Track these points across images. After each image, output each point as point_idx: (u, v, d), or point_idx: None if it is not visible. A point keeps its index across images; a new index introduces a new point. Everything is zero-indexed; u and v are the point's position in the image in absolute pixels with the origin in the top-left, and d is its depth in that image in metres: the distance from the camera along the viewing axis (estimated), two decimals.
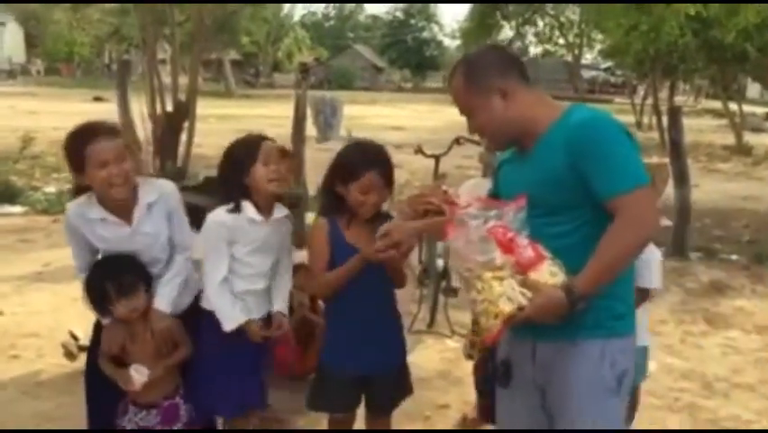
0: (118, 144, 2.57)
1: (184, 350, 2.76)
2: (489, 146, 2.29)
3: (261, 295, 2.77)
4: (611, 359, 2.07)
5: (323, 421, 2.93)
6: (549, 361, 2.13)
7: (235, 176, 2.63)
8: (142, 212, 2.65)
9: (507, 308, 1.93)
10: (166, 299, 2.71)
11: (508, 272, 1.96)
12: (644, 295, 3.07)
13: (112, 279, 2.62)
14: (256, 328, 2.70)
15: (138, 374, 2.62)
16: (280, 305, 2.80)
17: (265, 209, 2.67)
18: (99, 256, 2.76)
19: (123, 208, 2.63)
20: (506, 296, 1.94)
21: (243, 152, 2.64)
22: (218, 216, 2.65)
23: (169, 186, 2.80)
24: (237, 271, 2.70)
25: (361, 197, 2.56)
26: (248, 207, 2.63)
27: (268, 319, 2.77)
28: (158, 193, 2.69)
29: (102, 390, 2.76)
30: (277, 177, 2.61)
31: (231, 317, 2.66)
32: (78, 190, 2.68)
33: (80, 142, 2.53)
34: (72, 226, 2.66)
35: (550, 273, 1.95)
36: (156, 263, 2.75)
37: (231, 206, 2.63)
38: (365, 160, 2.58)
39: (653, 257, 3.03)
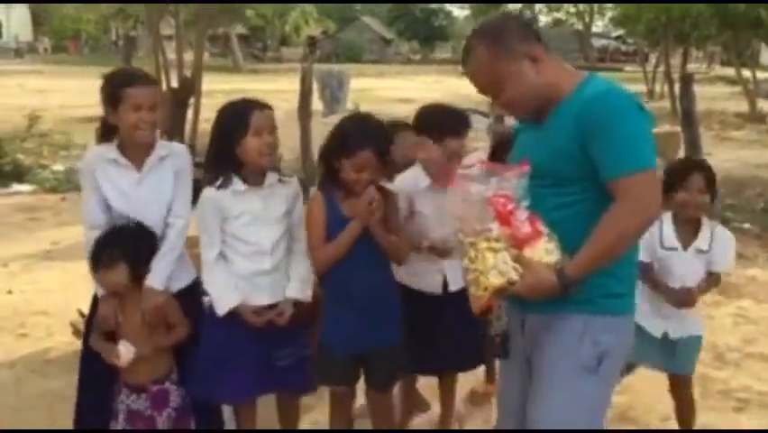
0: (154, 92, 2.68)
1: (178, 332, 2.67)
2: (514, 114, 2.20)
3: (273, 276, 2.66)
4: (593, 337, 2.02)
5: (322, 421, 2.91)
6: (535, 333, 2.12)
7: (225, 148, 2.57)
8: (154, 162, 2.68)
9: (497, 281, 1.91)
10: (158, 275, 2.64)
11: (503, 245, 1.93)
12: (717, 280, 3.04)
13: (100, 249, 2.59)
14: (250, 313, 2.61)
15: (125, 350, 2.55)
16: (292, 290, 2.68)
17: (255, 179, 2.61)
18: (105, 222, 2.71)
19: (137, 156, 2.67)
20: (497, 269, 1.92)
21: (233, 122, 2.57)
22: (207, 192, 2.61)
23: (182, 148, 2.84)
24: (237, 249, 2.63)
25: (354, 174, 2.52)
26: (234, 180, 2.58)
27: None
28: (171, 150, 2.73)
29: (95, 368, 2.71)
30: (269, 150, 2.56)
31: (222, 299, 2.61)
32: (104, 129, 2.72)
33: (119, 82, 2.61)
34: (89, 168, 2.71)
35: (545, 251, 1.92)
36: (153, 227, 2.68)
37: (220, 181, 2.58)
38: (360, 137, 2.52)
39: (729, 241, 3.01)
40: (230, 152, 2.56)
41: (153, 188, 2.68)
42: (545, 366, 2.08)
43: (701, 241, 2.98)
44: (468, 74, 2.09)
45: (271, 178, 2.65)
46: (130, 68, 2.62)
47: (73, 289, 4.90)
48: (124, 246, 2.60)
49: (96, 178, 2.67)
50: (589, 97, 1.96)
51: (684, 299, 2.95)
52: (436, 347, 2.96)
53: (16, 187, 8.56)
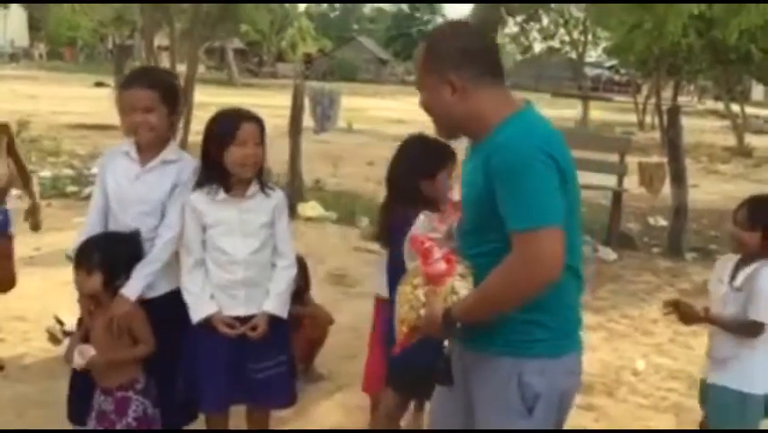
0: (144, 95, 2.63)
1: (141, 349, 2.65)
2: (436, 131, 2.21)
3: (248, 288, 2.66)
4: (519, 380, 1.95)
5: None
6: (469, 368, 2.08)
7: (212, 156, 2.60)
8: (156, 163, 2.71)
9: (408, 316, 1.98)
10: (133, 285, 2.63)
11: (421, 281, 1.99)
12: (759, 329, 2.76)
13: (81, 253, 2.62)
14: (222, 323, 2.62)
15: (78, 355, 2.58)
16: (269, 305, 2.68)
17: (237, 189, 2.63)
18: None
19: (148, 155, 2.72)
20: (410, 304, 1.98)
21: (221, 131, 2.60)
22: (190, 198, 2.63)
23: (192, 161, 2.79)
24: (214, 257, 2.65)
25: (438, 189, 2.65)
26: (217, 189, 2.61)
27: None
28: (179, 157, 2.76)
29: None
30: (252, 161, 2.59)
31: (196, 308, 2.62)
32: None
33: (119, 84, 2.76)
34: (102, 162, 2.82)
35: (451, 291, 1.94)
36: (139, 226, 2.69)
37: (203, 188, 2.61)
38: (440, 158, 2.70)
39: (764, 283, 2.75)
40: (216, 159, 2.59)
41: (147, 187, 2.70)
42: (478, 406, 2.06)
43: (739, 278, 2.84)
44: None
45: (253, 189, 2.66)
46: (135, 70, 2.67)
47: (52, 295, 4.86)
48: (104, 254, 2.62)
49: (105, 172, 2.75)
50: (497, 145, 1.89)
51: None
52: None
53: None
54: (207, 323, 2.62)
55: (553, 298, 1.90)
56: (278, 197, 2.73)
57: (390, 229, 2.78)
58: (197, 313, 2.62)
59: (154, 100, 2.64)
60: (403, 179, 2.83)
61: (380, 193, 10.08)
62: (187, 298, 2.65)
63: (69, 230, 4.12)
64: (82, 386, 2.76)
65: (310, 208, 8.00)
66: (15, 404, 3.54)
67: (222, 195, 2.60)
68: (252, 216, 2.66)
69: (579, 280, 2.03)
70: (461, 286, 1.94)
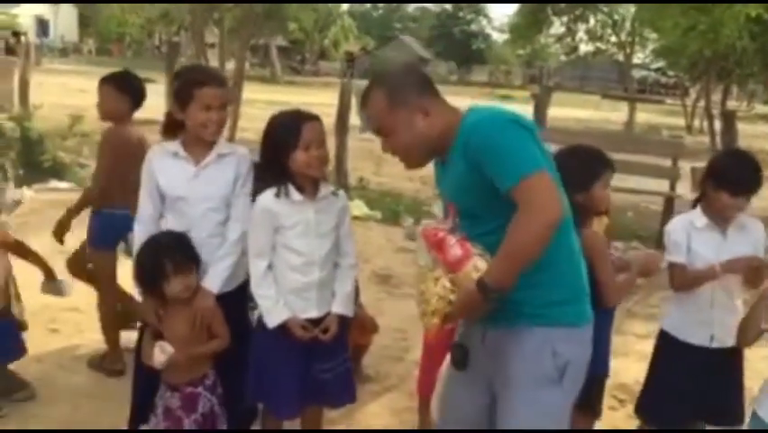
0: (224, 93, 2.72)
1: (218, 343, 2.69)
2: (402, 160, 2.25)
3: (321, 289, 2.65)
4: (552, 348, 2.08)
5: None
6: (495, 347, 2.16)
7: (276, 159, 2.58)
8: (212, 158, 2.73)
9: (439, 305, 2.02)
10: (216, 278, 2.69)
11: (441, 273, 2.04)
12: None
13: (169, 254, 2.60)
14: (299, 327, 2.61)
15: (160, 352, 2.59)
16: (339, 306, 2.68)
17: (309, 189, 2.62)
18: (160, 221, 2.78)
19: (199, 152, 2.73)
20: (438, 295, 2.03)
21: (283, 135, 2.57)
22: (262, 201, 2.61)
23: (245, 151, 2.85)
24: (287, 260, 2.61)
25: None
26: (290, 189, 2.58)
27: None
28: (233, 150, 2.78)
29: (144, 366, 2.76)
30: (318, 163, 2.57)
31: (273, 312, 2.61)
32: (168, 123, 2.79)
33: (192, 81, 2.67)
34: (149, 162, 2.77)
35: (475, 269, 1.99)
36: (204, 223, 2.71)
37: (275, 190, 2.58)
38: (594, 170, 2.71)
39: None
40: (281, 162, 2.57)
41: (209, 184, 2.71)
42: (509, 381, 2.13)
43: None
44: (366, 115, 2.19)
45: (325, 190, 2.66)
46: (202, 66, 2.67)
47: None
48: (188, 250, 2.65)
49: (153, 171, 2.74)
50: (468, 128, 2.06)
51: None
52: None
53: (56, 183, 8.70)
54: (281, 327, 2.61)
55: (561, 254, 2.08)
56: (342, 197, 2.75)
57: None
58: (274, 318, 2.60)
59: (226, 98, 2.70)
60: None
61: (423, 192, 10.08)
62: (263, 303, 2.63)
63: None
64: (145, 384, 2.79)
65: (356, 208, 8.00)
66: (71, 396, 3.60)
67: (298, 196, 2.58)
68: (326, 216, 2.65)
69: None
70: (482, 263, 2.01)
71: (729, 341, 2.90)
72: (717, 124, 15.28)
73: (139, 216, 2.79)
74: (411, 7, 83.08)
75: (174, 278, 2.60)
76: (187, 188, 2.71)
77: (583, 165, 2.73)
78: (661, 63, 34.58)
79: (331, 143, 8.71)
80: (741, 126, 9.81)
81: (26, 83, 11.85)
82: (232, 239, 2.72)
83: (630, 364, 4.20)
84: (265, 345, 2.68)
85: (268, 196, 2.59)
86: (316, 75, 48.01)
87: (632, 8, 23.50)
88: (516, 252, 1.95)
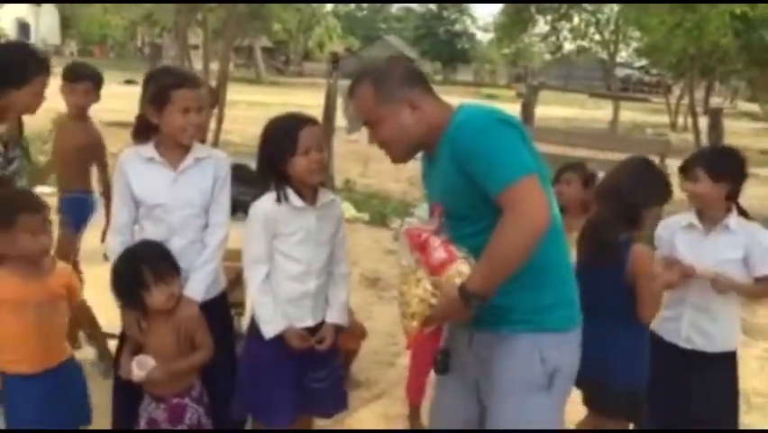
0: (200, 95, 2.64)
1: (201, 354, 2.60)
2: (390, 154, 2.20)
3: (316, 298, 2.60)
4: (541, 354, 2.05)
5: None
6: (483, 352, 2.13)
7: (274, 164, 2.49)
8: (190, 162, 2.62)
9: (419, 308, 1.98)
10: (196, 287, 2.58)
11: (424, 274, 1.99)
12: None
13: (149, 263, 2.49)
14: (296, 337, 2.54)
15: (137, 368, 2.49)
16: (334, 315, 2.63)
17: (308, 195, 2.54)
18: (136, 230, 2.66)
19: (174, 156, 2.61)
20: (418, 297, 1.98)
21: (281, 140, 2.48)
22: (260, 206, 2.52)
23: (222, 154, 2.77)
24: (284, 268, 2.53)
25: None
26: (290, 195, 2.49)
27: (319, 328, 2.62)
28: (209, 154, 2.69)
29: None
30: (319, 167, 2.49)
31: (270, 322, 2.53)
32: (140, 127, 2.67)
33: (168, 84, 2.55)
34: (122, 168, 2.63)
35: (458, 273, 1.95)
36: (185, 230, 2.61)
37: (275, 195, 2.49)
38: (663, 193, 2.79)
39: None
40: (279, 167, 2.49)
41: (189, 189, 2.61)
42: (498, 387, 2.10)
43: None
44: (354, 108, 2.16)
45: (324, 196, 2.58)
46: (176, 68, 2.56)
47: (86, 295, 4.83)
48: (168, 258, 2.55)
49: (128, 180, 2.61)
50: (456, 128, 2.02)
51: None
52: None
53: (37, 188, 8.56)
54: (275, 337, 2.54)
55: (550, 258, 2.04)
56: (339, 204, 2.69)
57: (619, 246, 2.69)
58: (272, 328, 2.52)
59: (202, 100, 2.61)
60: (631, 202, 2.74)
61: (410, 194, 10.04)
62: (261, 312, 2.54)
63: (96, 229, 4.10)
64: (125, 396, 2.70)
65: (343, 210, 7.94)
66: None
67: (299, 202, 2.49)
68: (326, 223, 2.58)
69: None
70: (465, 267, 1.97)
71: (707, 346, 2.90)
72: (702, 122, 15.35)
73: (114, 225, 2.67)
74: (395, 7, 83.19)
75: (155, 288, 2.50)
76: (166, 195, 2.59)
77: (660, 184, 2.79)
78: (643, 62, 34.80)
79: None
80: (725, 123, 9.84)
81: None
82: (213, 244, 2.63)
83: None
84: (257, 353, 2.61)
85: (267, 201, 2.50)
86: (301, 76, 47.90)
87: (615, 7, 23.59)
88: (500, 260, 1.91)
